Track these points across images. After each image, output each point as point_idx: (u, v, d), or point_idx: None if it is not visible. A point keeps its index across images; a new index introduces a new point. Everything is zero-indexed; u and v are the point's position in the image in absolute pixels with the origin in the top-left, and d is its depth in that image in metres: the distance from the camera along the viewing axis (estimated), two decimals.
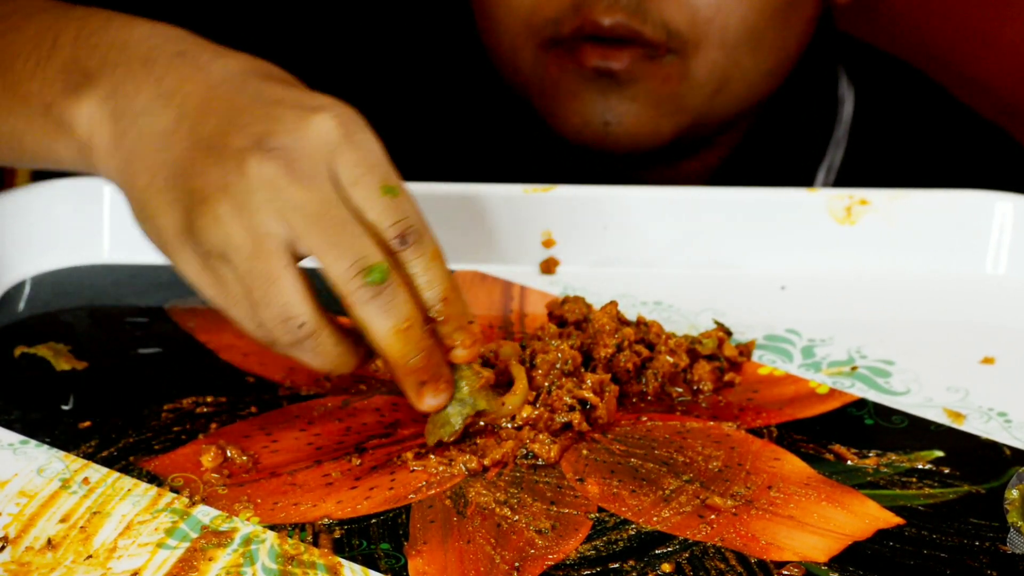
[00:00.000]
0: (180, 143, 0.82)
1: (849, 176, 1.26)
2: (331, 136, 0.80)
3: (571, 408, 0.86)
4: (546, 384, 0.87)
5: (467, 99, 1.27)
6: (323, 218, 0.79)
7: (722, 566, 0.77)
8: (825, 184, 1.26)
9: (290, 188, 0.79)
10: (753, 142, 1.24)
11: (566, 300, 0.94)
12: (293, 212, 0.79)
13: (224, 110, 0.81)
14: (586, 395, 0.87)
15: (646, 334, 0.92)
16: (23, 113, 0.89)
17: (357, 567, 0.76)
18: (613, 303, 0.92)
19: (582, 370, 0.88)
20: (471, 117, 1.26)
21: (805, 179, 1.26)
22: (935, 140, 1.30)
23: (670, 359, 0.90)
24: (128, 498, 0.81)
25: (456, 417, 0.83)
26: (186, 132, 0.82)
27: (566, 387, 0.87)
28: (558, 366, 0.87)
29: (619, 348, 0.90)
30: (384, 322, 0.80)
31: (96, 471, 0.82)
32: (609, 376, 0.88)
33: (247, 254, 0.79)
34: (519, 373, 0.86)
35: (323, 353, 0.81)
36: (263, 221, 0.79)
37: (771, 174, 1.23)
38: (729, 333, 0.94)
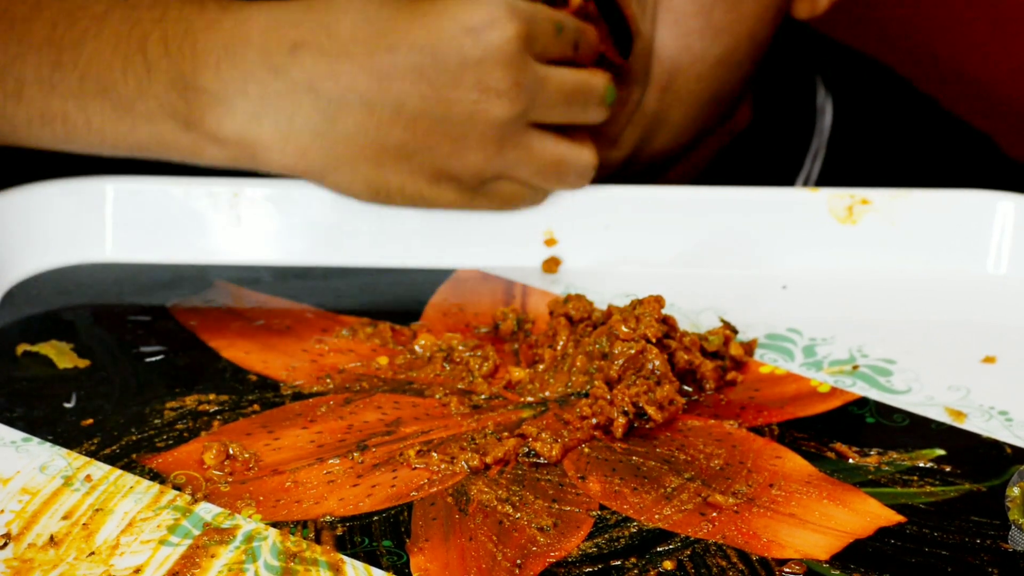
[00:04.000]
0: (390, 134, 0.93)
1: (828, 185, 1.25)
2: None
3: (625, 412, 0.86)
4: (623, 375, 0.87)
5: None
6: (554, 101, 0.95)
7: (724, 564, 0.77)
8: None
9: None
10: (729, 154, 1.23)
11: (568, 299, 0.94)
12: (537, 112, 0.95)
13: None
14: (650, 410, 0.86)
15: (669, 330, 0.91)
16: (152, 132, 0.92)
17: (359, 564, 0.76)
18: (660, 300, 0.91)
19: (667, 375, 0.88)
20: None
21: None
22: (917, 149, 1.28)
23: (685, 356, 0.90)
24: (130, 495, 0.81)
25: None
26: (388, 122, 0.93)
27: (638, 390, 0.87)
28: (648, 367, 0.88)
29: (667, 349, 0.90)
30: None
31: (98, 468, 0.83)
32: (677, 386, 0.88)
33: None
34: None
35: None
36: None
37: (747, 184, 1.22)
38: (735, 331, 0.94)
